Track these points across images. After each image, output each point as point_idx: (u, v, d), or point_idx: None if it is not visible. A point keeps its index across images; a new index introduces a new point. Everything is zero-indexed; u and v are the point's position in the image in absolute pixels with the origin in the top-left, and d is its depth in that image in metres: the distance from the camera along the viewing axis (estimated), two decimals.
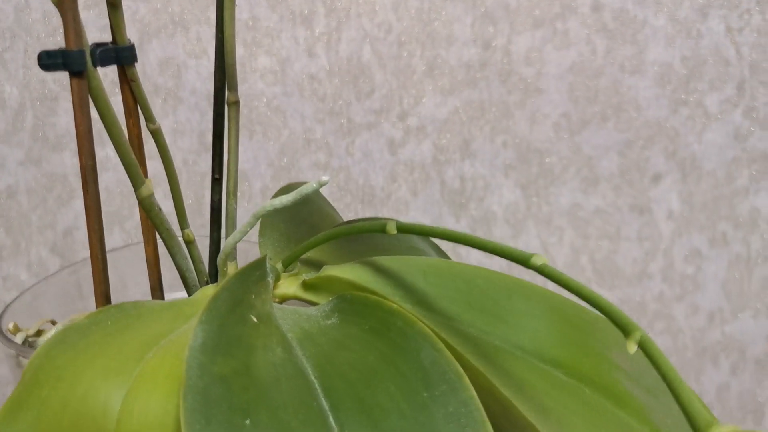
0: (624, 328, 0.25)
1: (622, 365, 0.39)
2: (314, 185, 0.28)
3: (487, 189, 0.72)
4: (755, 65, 0.70)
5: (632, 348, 0.25)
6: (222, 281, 0.27)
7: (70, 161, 0.72)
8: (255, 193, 0.73)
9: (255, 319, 0.26)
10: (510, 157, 0.71)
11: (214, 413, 0.22)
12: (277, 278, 0.33)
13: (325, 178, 0.28)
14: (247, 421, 0.22)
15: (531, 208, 0.73)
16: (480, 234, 0.74)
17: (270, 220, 0.37)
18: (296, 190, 0.29)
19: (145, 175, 0.32)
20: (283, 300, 0.33)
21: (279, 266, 0.34)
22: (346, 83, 0.69)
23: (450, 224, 0.73)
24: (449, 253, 0.73)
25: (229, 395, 0.23)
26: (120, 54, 0.34)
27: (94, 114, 0.30)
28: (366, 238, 0.39)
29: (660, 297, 0.76)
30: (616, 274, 0.75)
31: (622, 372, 0.38)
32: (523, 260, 0.29)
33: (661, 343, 0.77)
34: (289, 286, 0.33)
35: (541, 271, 0.29)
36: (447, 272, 0.37)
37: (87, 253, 0.68)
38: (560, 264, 0.75)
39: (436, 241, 0.60)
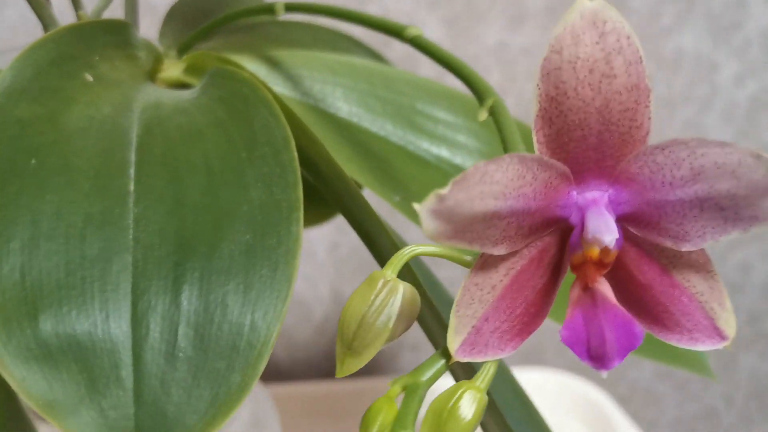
0: (480, 94, 0.23)
1: None
2: None
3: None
4: None
5: (483, 115, 0.22)
6: (49, 31, 0.25)
7: None
8: None
9: (90, 79, 0.25)
10: None
11: None
12: (160, 61, 0.31)
13: None
14: (33, 161, 0.21)
15: (458, 48, 0.68)
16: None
17: (178, 11, 0.35)
18: None
19: None
20: (171, 85, 0.31)
21: (172, 53, 0.32)
22: None
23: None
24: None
25: (22, 137, 0.21)
26: None
27: None
28: (286, 41, 0.37)
29: None
30: None
31: None
32: (397, 31, 0.26)
33: None
34: (173, 69, 0.31)
35: (414, 42, 0.26)
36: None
37: None
38: None
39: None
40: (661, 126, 0.72)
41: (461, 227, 0.15)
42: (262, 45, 0.33)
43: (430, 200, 0.14)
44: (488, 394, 0.18)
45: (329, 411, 0.61)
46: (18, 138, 0.21)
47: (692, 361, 0.34)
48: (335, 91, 0.32)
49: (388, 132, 0.33)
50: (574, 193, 0.16)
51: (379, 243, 0.23)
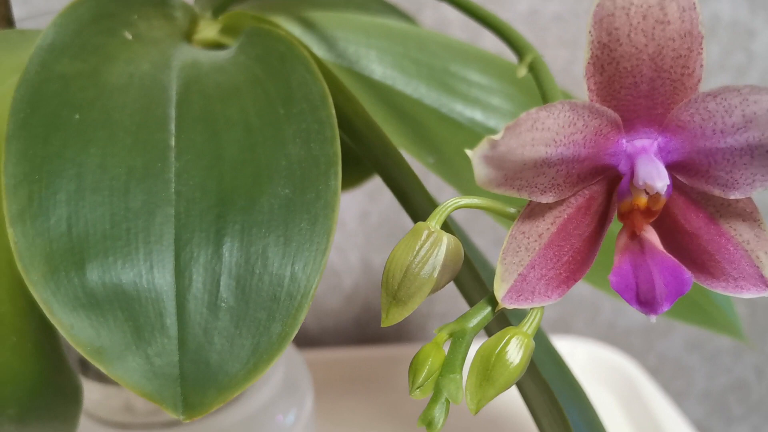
0: (519, 50, 0.23)
1: None
2: None
3: None
4: None
5: (522, 71, 0.22)
6: None
7: None
8: None
9: (129, 36, 0.25)
10: None
11: (42, 105, 0.21)
12: (195, 21, 0.31)
13: None
14: (77, 116, 0.21)
15: None
16: None
17: None
18: None
19: None
20: (207, 46, 0.32)
21: (207, 14, 0.32)
22: None
23: None
24: None
25: (64, 92, 0.22)
26: None
27: None
28: (318, 3, 0.37)
29: None
30: (574, 83, 0.70)
31: None
32: None
33: None
34: (209, 30, 0.31)
35: None
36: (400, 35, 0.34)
37: None
38: None
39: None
40: None
41: (512, 174, 0.15)
42: (296, 7, 0.33)
43: (482, 146, 0.14)
44: None
45: (358, 376, 0.62)
46: (61, 93, 0.21)
47: (726, 326, 0.34)
48: (369, 53, 0.32)
49: (422, 94, 0.33)
50: (624, 141, 0.16)
51: (415, 200, 0.23)
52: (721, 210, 0.17)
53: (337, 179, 0.20)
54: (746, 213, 0.17)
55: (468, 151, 0.15)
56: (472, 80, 0.33)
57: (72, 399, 0.25)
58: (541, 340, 0.27)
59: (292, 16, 0.32)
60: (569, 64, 0.69)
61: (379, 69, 0.32)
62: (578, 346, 0.64)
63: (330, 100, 0.22)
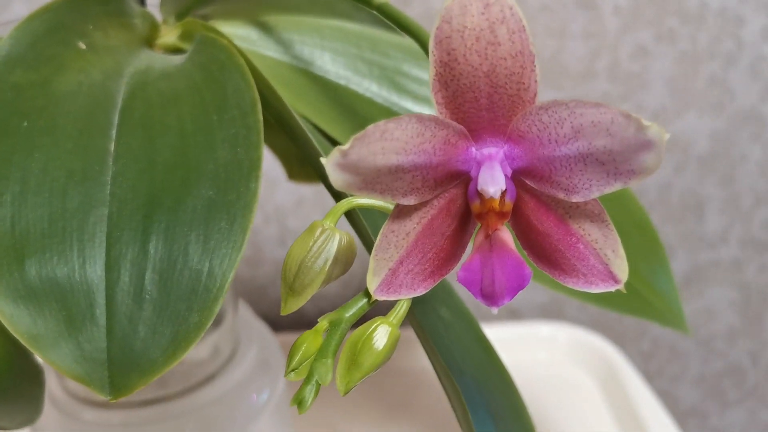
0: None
1: None
2: None
3: None
4: None
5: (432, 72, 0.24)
6: (49, 2, 0.27)
7: None
8: None
9: (83, 46, 0.27)
10: None
11: None
12: (156, 28, 0.32)
13: None
14: (25, 123, 0.23)
15: None
16: None
17: None
18: None
19: None
20: (169, 51, 0.33)
21: (171, 19, 0.34)
22: None
23: None
24: None
25: (16, 101, 0.24)
26: None
27: None
28: (282, 6, 0.38)
29: (605, 96, 0.72)
30: (561, 73, 0.71)
31: None
32: (365, 1, 0.27)
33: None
34: (170, 35, 0.33)
35: (381, 10, 0.27)
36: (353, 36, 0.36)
37: None
38: None
39: None
40: (685, 82, 0.72)
41: (370, 179, 0.17)
42: (257, 10, 0.35)
43: (333, 155, 0.16)
44: (441, 337, 0.20)
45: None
46: (12, 102, 0.24)
47: (671, 318, 0.36)
48: (323, 55, 0.34)
49: (374, 93, 0.34)
50: (474, 149, 0.18)
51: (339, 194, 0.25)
52: (570, 211, 0.18)
53: (258, 182, 0.22)
54: (594, 214, 0.18)
55: (322, 159, 0.16)
56: (423, 79, 0.35)
57: (35, 381, 0.27)
58: (472, 329, 0.28)
59: (251, 20, 0.34)
60: (557, 53, 0.70)
61: (332, 69, 0.34)
62: (560, 331, 0.66)
63: (259, 106, 0.24)
